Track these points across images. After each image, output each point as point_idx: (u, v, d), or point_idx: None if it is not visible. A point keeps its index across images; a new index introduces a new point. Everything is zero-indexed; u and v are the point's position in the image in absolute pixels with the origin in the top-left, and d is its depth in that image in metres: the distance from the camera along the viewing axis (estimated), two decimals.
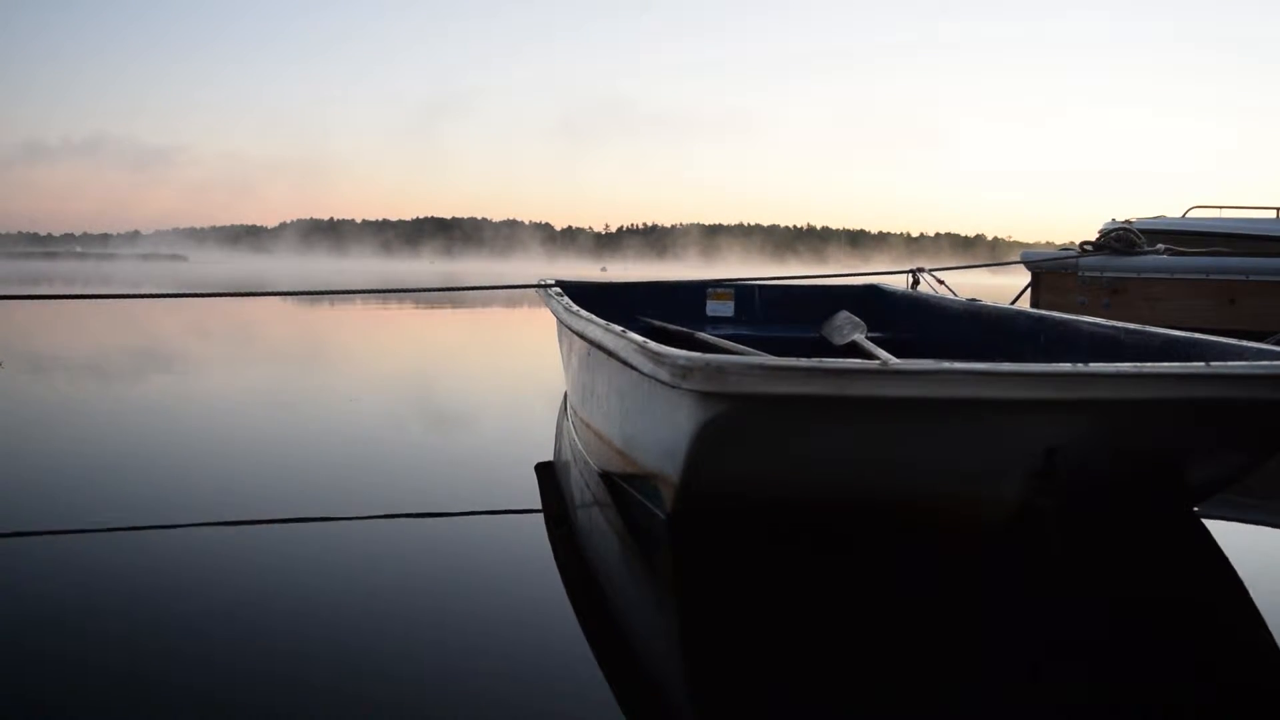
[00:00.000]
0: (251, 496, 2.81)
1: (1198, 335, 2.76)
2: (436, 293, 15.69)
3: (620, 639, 1.87)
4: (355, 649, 1.72)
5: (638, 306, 5.07)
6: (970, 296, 4.45)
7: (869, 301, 5.22)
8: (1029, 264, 7.67)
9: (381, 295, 15.71)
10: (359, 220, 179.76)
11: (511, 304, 14.86)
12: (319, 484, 3.00)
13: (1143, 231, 7.43)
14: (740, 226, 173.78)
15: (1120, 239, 7.14)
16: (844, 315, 4.71)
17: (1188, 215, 8.79)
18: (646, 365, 2.12)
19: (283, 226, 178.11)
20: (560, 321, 3.58)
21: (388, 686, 1.58)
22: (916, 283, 5.03)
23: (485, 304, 14.85)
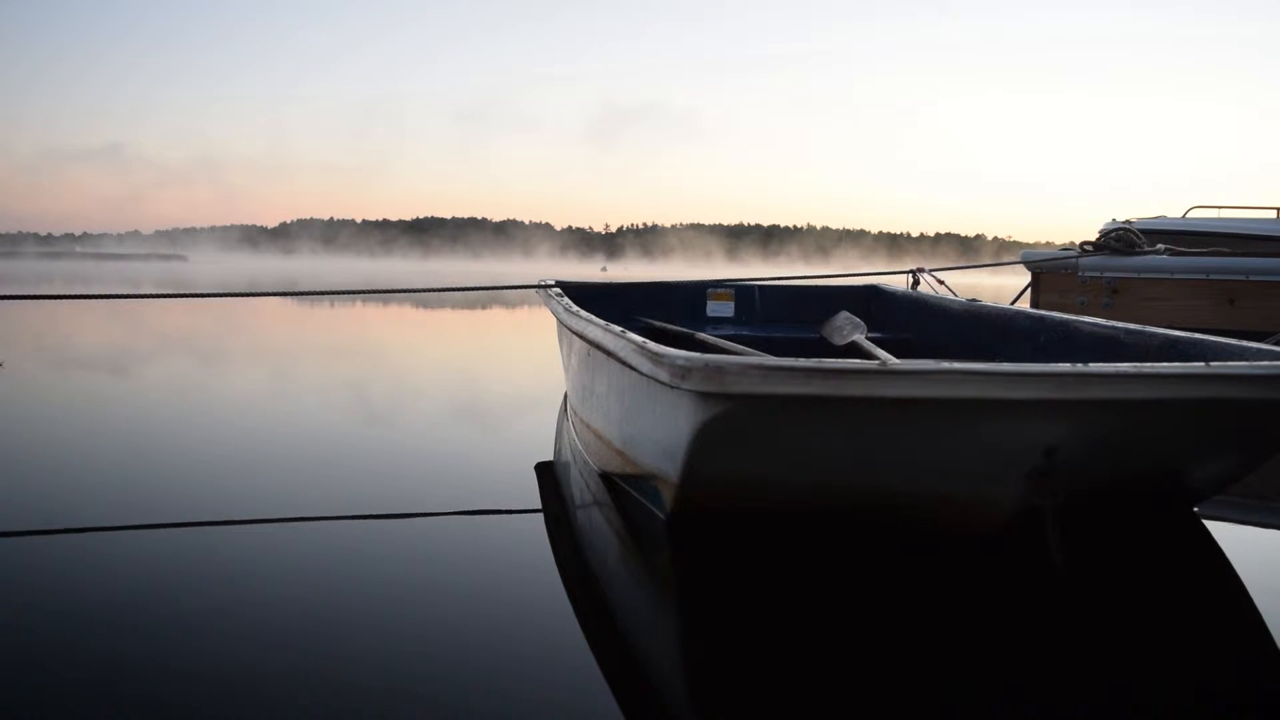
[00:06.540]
0: (248, 496, 2.81)
1: (1198, 335, 2.76)
2: (435, 293, 15.74)
3: (620, 639, 1.87)
4: (353, 649, 1.72)
5: (638, 307, 5.07)
6: (970, 297, 4.45)
7: (869, 302, 5.22)
8: (1029, 264, 7.66)
9: (381, 296, 15.71)
10: (358, 220, 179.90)
11: (511, 305, 14.86)
12: (317, 484, 2.99)
13: (1143, 231, 7.43)
14: (741, 226, 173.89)
15: (1120, 239, 7.14)
16: (844, 315, 4.71)
17: (1188, 215, 8.79)
18: (646, 365, 2.12)
19: (283, 226, 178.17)
20: (560, 322, 3.57)
21: (387, 686, 1.58)
22: (916, 283, 5.04)
23: (485, 305, 14.85)
